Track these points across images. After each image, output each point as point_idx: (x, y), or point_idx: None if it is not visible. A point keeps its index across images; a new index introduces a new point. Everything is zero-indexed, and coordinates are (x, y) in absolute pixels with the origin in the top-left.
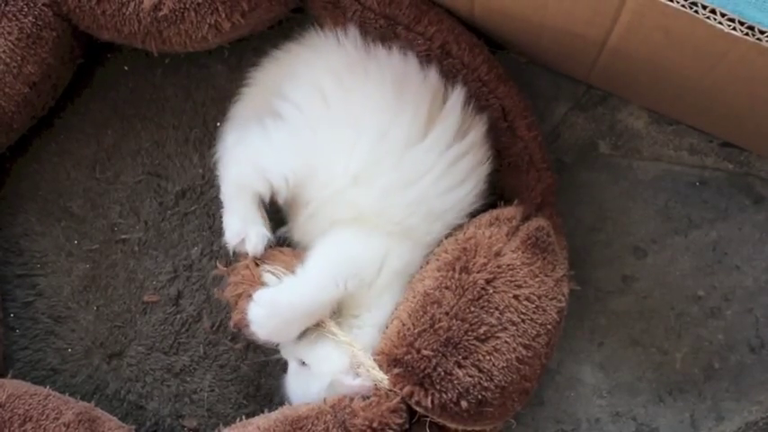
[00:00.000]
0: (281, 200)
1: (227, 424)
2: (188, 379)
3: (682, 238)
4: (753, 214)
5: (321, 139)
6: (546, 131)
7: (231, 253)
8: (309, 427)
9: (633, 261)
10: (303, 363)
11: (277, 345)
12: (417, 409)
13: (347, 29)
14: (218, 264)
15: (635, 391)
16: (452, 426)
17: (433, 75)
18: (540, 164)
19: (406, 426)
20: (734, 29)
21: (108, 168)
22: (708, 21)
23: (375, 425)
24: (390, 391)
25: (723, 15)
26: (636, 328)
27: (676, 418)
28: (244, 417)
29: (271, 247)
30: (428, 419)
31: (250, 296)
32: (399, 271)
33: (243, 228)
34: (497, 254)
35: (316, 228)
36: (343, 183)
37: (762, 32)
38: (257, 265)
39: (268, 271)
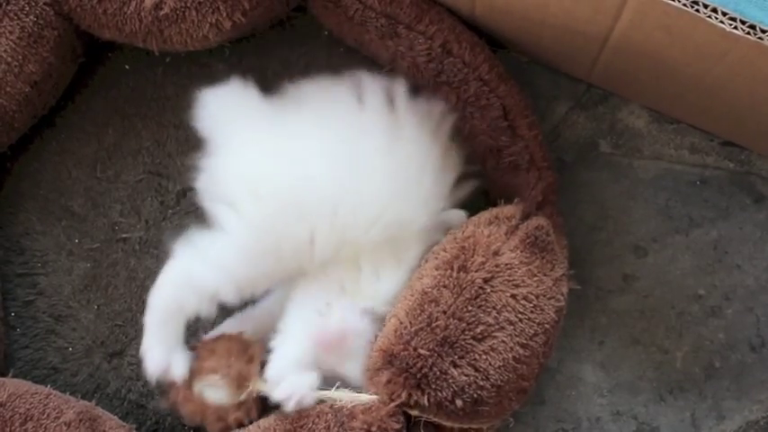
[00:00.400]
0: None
1: None
2: None
3: (682, 237)
4: (754, 213)
5: (268, 237)
6: (546, 130)
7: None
8: (310, 425)
9: (634, 260)
10: None
11: None
12: (413, 412)
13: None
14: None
15: (636, 390)
16: (448, 424)
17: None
18: (541, 162)
19: (404, 430)
20: (735, 28)
21: (109, 167)
22: (709, 20)
23: (374, 429)
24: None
25: (724, 14)
26: (636, 327)
27: (677, 417)
28: None
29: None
30: (422, 420)
31: (216, 420)
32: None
33: (167, 357)
34: (496, 253)
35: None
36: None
37: (763, 32)
38: (190, 386)
39: (207, 386)
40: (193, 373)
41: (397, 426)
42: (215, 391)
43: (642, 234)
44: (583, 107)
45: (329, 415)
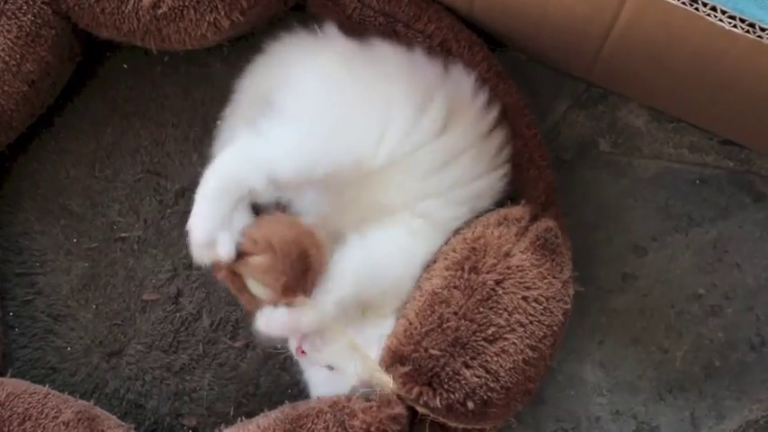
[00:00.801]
0: (267, 198)
1: (226, 422)
2: (187, 377)
3: (682, 237)
4: (753, 212)
5: (339, 127)
6: (546, 129)
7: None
8: (309, 425)
9: (633, 259)
10: (331, 367)
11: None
12: (422, 410)
13: (328, 26)
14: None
15: (635, 390)
16: (454, 425)
17: (445, 65)
18: (540, 162)
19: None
20: (734, 26)
21: (107, 167)
22: (708, 18)
23: (373, 429)
24: (396, 396)
25: (723, 13)
26: (636, 326)
27: (677, 416)
28: (243, 415)
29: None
30: (429, 419)
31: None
32: (425, 262)
33: (213, 232)
34: (507, 254)
35: (351, 218)
36: (377, 166)
37: (762, 30)
38: (236, 267)
39: (253, 282)
40: (243, 256)
41: (398, 428)
42: (258, 290)
43: (642, 233)
44: (582, 106)
45: (328, 414)
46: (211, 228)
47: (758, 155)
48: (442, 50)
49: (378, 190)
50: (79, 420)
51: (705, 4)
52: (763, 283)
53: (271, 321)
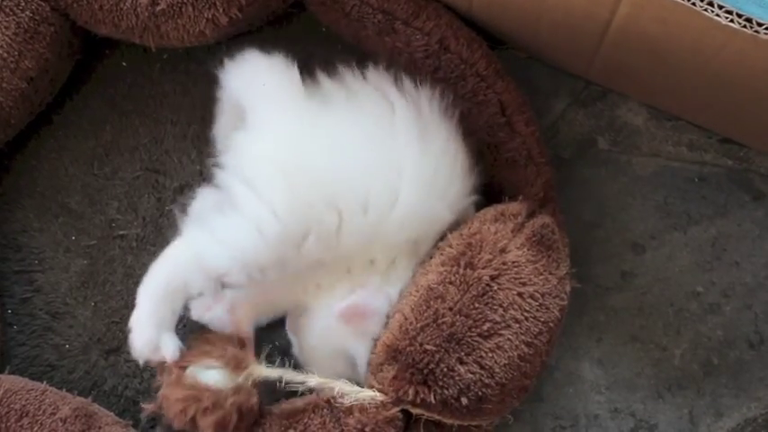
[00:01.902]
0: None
1: None
2: None
3: (681, 234)
4: (752, 210)
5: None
6: (545, 127)
7: (141, 365)
8: (306, 420)
9: (632, 257)
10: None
11: None
12: (416, 411)
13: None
14: (142, 406)
15: (634, 387)
16: (449, 422)
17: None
18: (539, 158)
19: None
20: (731, 21)
21: (106, 164)
22: (705, 13)
23: (368, 430)
24: (387, 402)
25: (720, 8)
26: (635, 324)
27: (675, 414)
28: None
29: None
30: (423, 418)
31: (207, 409)
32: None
33: (156, 335)
34: (502, 250)
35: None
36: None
37: (759, 25)
38: (183, 369)
39: (203, 369)
40: (185, 359)
41: (393, 430)
42: (211, 374)
43: (640, 231)
44: (581, 104)
45: (325, 410)
46: (155, 331)
47: (757, 153)
48: (440, 48)
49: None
50: (77, 417)
51: (702, 0)
52: (762, 281)
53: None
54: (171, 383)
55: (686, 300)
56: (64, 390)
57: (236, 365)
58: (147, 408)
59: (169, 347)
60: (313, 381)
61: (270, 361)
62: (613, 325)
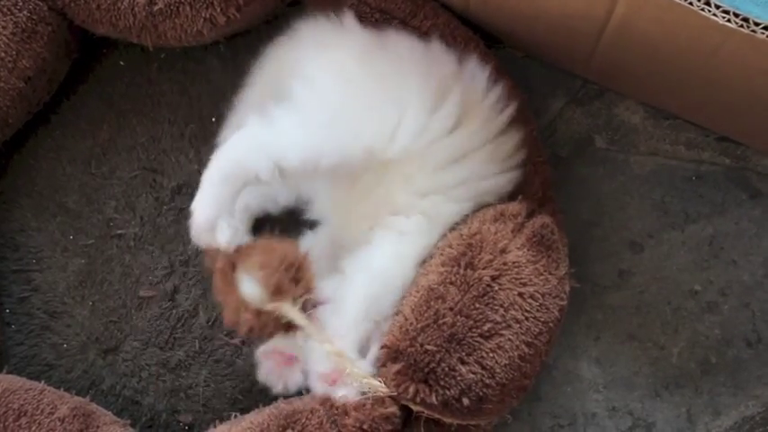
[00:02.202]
0: (277, 185)
1: (222, 419)
2: (183, 374)
3: (678, 233)
4: (749, 209)
5: (351, 119)
6: (542, 126)
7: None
8: (303, 421)
9: (630, 256)
10: None
11: None
12: (417, 408)
13: (345, 15)
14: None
15: (631, 386)
16: (449, 420)
17: (460, 59)
18: (536, 158)
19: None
20: (728, 21)
21: (103, 163)
22: (702, 12)
23: (366, 427)
24: (389, 397)
25: (717, 7)
26: (632, 322)
27: (673, 412)
28: (239, 412)
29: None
30: (423, 416)
31: (232, 307)
32: (423, 258)
33: (215, 215)
34: (503, 251)
35: (356, 216)
36: (387, 160)
37: (756, 24)
38: (233, 268)
39: (245, 276)
40: (240, 257)
41: (390, 427)
42: (249, 285)
43: (638, 230)
44: (579, 102)
45: (321, 411)
46: (214, 212)
47: (754, 151)
48: None
49: (385, 185)
50: (75, 416)
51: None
52: (759, 280)
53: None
54: (218, 272)
55: (684, 298)
56: (62, 389)
57: (275, 292)
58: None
59: (225, 232)
60: (329, 347)
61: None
62: (611, 324)
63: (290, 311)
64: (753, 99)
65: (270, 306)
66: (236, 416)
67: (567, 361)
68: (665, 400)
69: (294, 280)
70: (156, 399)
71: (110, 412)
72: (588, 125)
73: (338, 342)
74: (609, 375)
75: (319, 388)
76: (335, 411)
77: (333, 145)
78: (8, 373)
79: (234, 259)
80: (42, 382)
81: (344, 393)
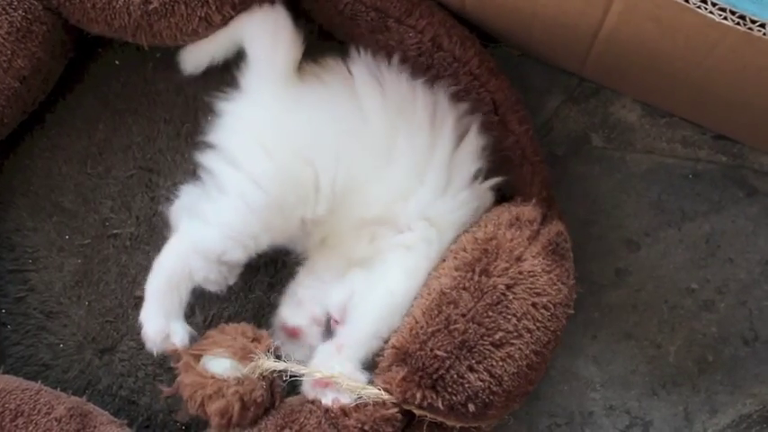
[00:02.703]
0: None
1: None
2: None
3: (675, 231)
4: (746, 207)
5: (280, 191)
6: (538, 124)
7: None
8: (302, 420)
9: (626, 254)
10: None
11: None
12: (421, 412)
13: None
14: (161, 388)
15: (628, 385)
16: (452, 424)
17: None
18: (533, 157)
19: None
20: (724, 18)
21: (99, 163)
22: (698, 10)
23: (367, 428)
24: (391, 402)
25: (714, 5)
26: (629, 321)
27: (670, 411)
28: None
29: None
30: (427, 420)
31: (211, 396)
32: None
33: (165, 324)
34: (518, 258)
35: (359, 239)
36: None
37: (753, 22)
38: (197, 358)
39: (210, 358)
40: (198, 348)
41: (391, 429)
42: (218, 363)
43: (635, 228)
44: (575, 101)
45: (319, 411)
46: (163, 322)
47: (751, 149)
48: (433, 46)
49: (372, 207)
50: (72, 416)
51: None
52: (756, 278)
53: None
54: (183, 370)
55: (681, 297)
56: (58, 389)
57: (243, 356)
58: (166, 391)
59: (179, 334)
60: (318, 375)
61: (278, 355)
62: (608, 322)
63: (267, 363)
64: (749, 97)
65: (247, 369)
66: None
67: (564, 360)
68: (662, 398)
69: (255, 339)
70: (153, 399)
71: (106, 412)
72: (585, 123)
73: (345, 352)
74: (606, 374)
75: (311, 393)
76: (336, 411)
77: (271, 227)
78: (4, 373)
79: (193, 352)
80: (39, 382)
81: (336, 397)
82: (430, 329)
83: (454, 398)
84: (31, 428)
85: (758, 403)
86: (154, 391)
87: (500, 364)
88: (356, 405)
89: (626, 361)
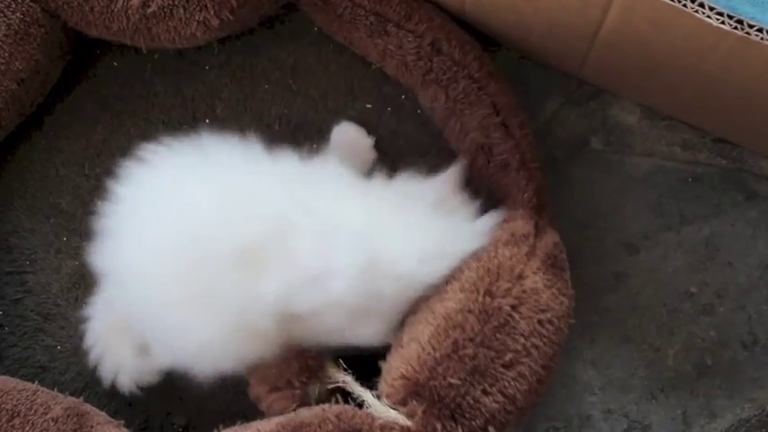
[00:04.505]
0: None
1: (216, 422)
2: (177, 376)
3: (674, 234)
4: (746, 210)
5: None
6: (537, 127)
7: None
8: (314, 431)
9: (625, 257)
10: None
11: None
12: None
13: None
14: None
15: (627, 388)
16: None
17: None
18: (531, 163)
19: None
20: (722, 23)
21: (97, 165)
22: (696, 14)
23: None
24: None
25: (711, 9)
26: (628, 324)
27: (668, 415)
28: (233, 414)
29: None
30: None
31: None
32: None
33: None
34: (520, 276)
35: None
36: None
37: (750, 26)
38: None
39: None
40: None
41: None
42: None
43: (634, 231)
44: (574, 103)
45: (331, 424)
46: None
47: (750, 152)
48: (433, 50)
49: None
50: (68, 416)
51: (693, 0)
52: (756, 282)
53: None
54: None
55: (679, 300)
56: (56, 391)
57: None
58: None
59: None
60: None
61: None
62: (606, 326)
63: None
64: (748, 100)
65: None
66: (230, 417)
67: (562, 363)
68: (660, 402)
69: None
70: (151, 401)
71: (104, 413)
72: (584, 126)
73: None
74: (604, 377)
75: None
76: (349, 425)
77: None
78: (1, 375)
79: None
80: (36, 384)
81: None
82: (437, 355)
83: (473, 423)
84: (27, 429)
85: (757, 407)
86: (151, 393)
87: (512, 384)
88: (379, 423)
89: (624, 364)
